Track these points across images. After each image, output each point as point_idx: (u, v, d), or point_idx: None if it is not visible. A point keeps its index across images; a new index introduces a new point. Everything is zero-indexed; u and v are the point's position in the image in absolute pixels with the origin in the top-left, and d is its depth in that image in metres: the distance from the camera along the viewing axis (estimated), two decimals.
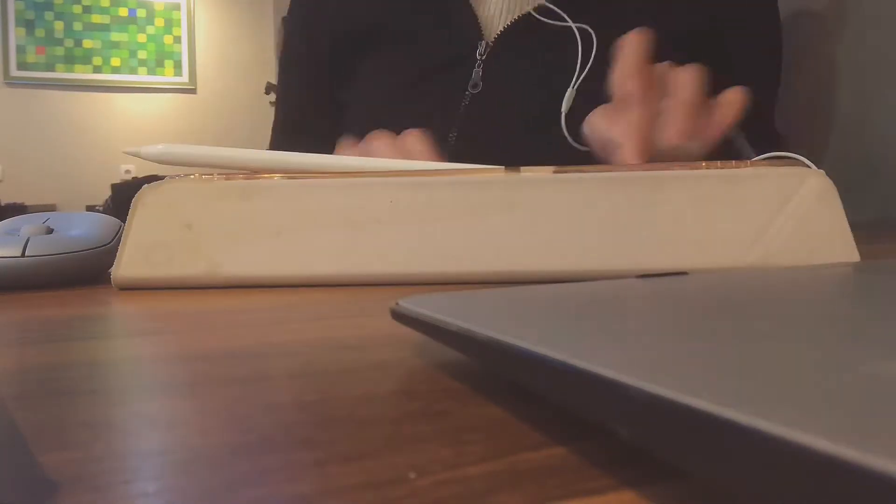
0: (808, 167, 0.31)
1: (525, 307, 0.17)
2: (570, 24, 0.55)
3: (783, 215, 0.29)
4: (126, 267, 0.31)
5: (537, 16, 0.59)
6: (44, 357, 0.18)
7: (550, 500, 0.09)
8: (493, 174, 0.31)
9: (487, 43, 0.65)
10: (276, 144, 0.77)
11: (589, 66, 0.54)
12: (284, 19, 0.83)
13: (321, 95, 0.74)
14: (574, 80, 0.54)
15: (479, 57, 0.65)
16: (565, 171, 0.30)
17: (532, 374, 0.11)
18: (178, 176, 0.32)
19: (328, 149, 0.52)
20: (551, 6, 0.59)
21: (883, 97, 0.73)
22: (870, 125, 0.75)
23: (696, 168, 0.30)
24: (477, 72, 0.65)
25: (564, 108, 0.53)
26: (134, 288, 0.31)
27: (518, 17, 0.64)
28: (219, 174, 0.32)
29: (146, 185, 0.32)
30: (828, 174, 0.30)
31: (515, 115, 0.63)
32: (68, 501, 0.09)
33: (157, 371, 0.17)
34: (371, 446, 0.11)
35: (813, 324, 0.14)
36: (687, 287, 0.19)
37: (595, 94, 0.50)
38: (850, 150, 0.77)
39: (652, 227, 0.29)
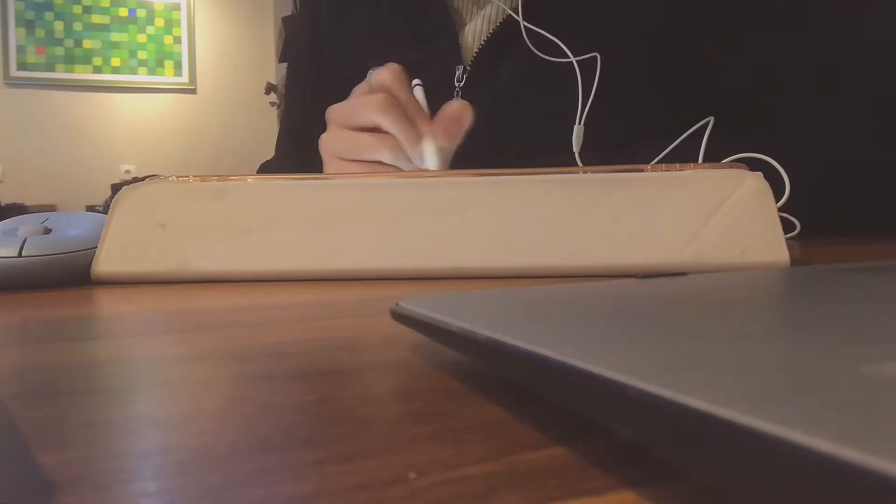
0: (776, 171, 0.32)
1: (525, 307, 0.17)
2: (572, 59, 0.52)
3: (719, 215, 0.31)
4: (104, 262, 0.33)
5: (524, 22, 0.56)
6: (44, 357, 0.18)
7: (550, 500, 0.09)
8: (448, 176, 0.33)
9: (465, 67, 0.62)
10: (280, 156, 0.76)
11: (593, 93, 0.51)
12: (285, 19, 0.81)
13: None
14: (579, 115, 0.51)
15: (456, 84, 0.62)
16: (515, 174, 0.32)
17: (532, 374, 0.11)
18: (156, 177, 0.34)
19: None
20: (521, 20, 0.56)
21: None
22: None
23: (640, 170, 0.31)
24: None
25: (576, 147, 0.51)
26: (111, 282, 0.33)
27: (489, 36, 0.61)
28: (194, 176, 0.34)
29: (126, 186, 0.34)
30: None
31: (506, 148, 0.60)
32: (68, 501, 0.09)
33: (156, 371, 0.17)
34: (371, 446, 0.11)
35: (812, 324, 0.14)
36: (687, 287, 0.19)
37: (597, 123, 0.49)
38: None
39: (593, 227, 0.31)
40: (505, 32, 0.60)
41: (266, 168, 0.77)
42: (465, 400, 0.13)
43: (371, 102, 0.47)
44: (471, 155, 0.48)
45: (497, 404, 0.13)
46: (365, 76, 0.67)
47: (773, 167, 0.38)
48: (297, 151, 0.75)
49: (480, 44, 0.62)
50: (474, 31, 0.64)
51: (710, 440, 0.08)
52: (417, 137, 0.46)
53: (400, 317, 0.17)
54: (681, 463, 0.08)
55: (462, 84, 0.63)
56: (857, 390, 0.08)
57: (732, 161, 0.40)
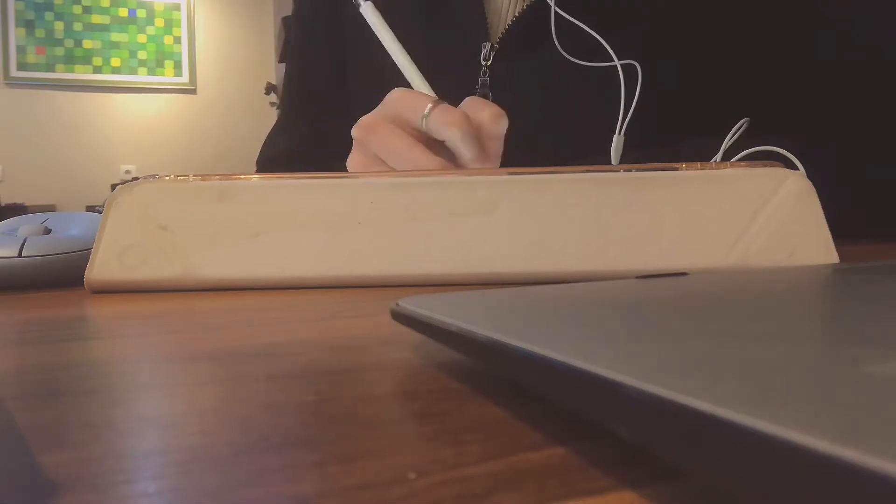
0: (793, 167, 0.31)
1: (525, 307, 0.17)
2: (616, 61, 0.47)
3: (763, 216, 0.29)
4: (99, 269, 0.30)
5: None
6: (44, 357, 0.18)
7: (550, 500, 0.09)
8: (475, 175, 0.31)
9: (493, 45, 0.57)
10: (288, 128, 0.70)
11: (634, 103, 0.47)
12: (285, 19, 0.77)
13: (336, 66, 0.66)
14: (620, 124, 0.47)
15: (483, 62, 0.57)
16: (546, 172, 0.30)
17: (532, 374, 0.11)
18: (153, 176, 0.31)
19: (341, 120, 0.46)
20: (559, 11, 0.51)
21: None
22: None
23: (676, 169, 0.30)
24: (483, 81, 0.57)
25: (615, 160, 0.47)
26: (107, 291, 0.30)
27: (524, 9, 0.55)
28: (194, 175, 0.31)
29: (120, 185, 0.31)
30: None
31: (534, 137, 0.54)
32: (68, 501, 0.09)
33: (156, 371, 0.17)
34: (371, 446, 0.11)
35: (812, 324, 0.14)
36: (687, 287, 0.19)
37: (633, 120, 0.46)
38: None
39: (632, 228, 0.30)
40: (536, 12, 0.55)
41: (272, 138, 0.71)
42: (465, 400, 0.13)
43: (451, 114, 0.41)
44: (513, 157, 0.44)
45: (497, 404, 0.13)
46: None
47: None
48: (307, 109, 0.68)
49: (510, 21, 0.57)
50: (504, 6, 0.58)
51: (711, 440, 0.08)
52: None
53: (400, 317, 0.17)
54: (681, 463, 0.08)
55: (489, 63, 0.57)
56: (857, 390, 0.08)
57: (748, 154, 0.39)
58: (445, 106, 0.42)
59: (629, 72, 0.47)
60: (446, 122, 0.41)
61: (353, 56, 0.65)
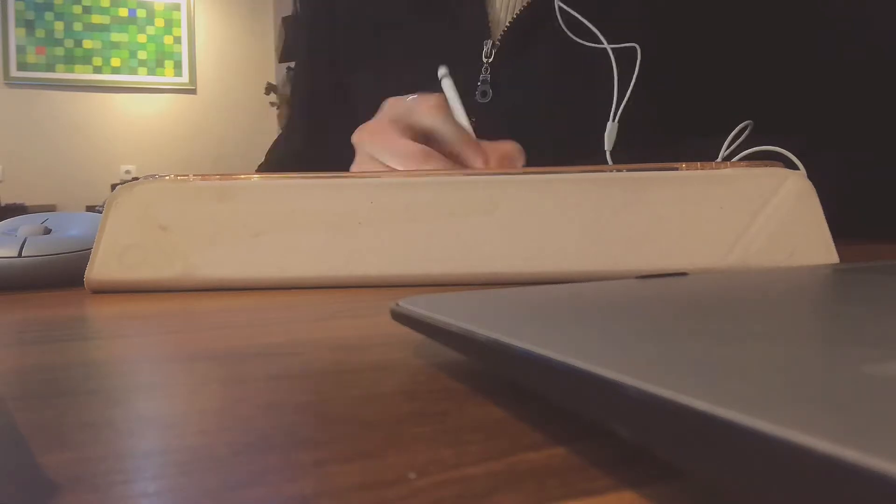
0: (793, 167, 0.31)
1: (525, 307, 0.17)
2: (606, 45, 0.48)
3: (763, 216, 0.29)
4: (99, 269, 0.30)
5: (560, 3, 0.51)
6: (44, 357, 0.18)
7: (550, 500, 0.09)
8: (475, 175, 0.31)
9: (494, 42, 0.58)
10: (293, 130, 0.73)
11: (631, 89, 0.47)
12: (285, 19, 0.79)
13: (337, 79, 0.68)
14: (613, 111, 0.48)
15: (484, 59, 0.58)
16: (546, 172, 0.30)
17: (532, 375, 0.11)
18: (153, 176, 0.31)
19: (346, 134, 0.47)
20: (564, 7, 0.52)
21: None
22: None
23: (676, 169, 0.30)
24: (484, 78, 0.58)
25: (608, 145, 0.47)
26: (107, 291, 0.30)
27: (521, 10, 0.56)
28: (194, 175, 0.31)
29: (120, 185, 0.31)
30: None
31: (534, 134, 0.54)
32: (68, 501, 0.09)
33: (157, 371, 0.17)
34: (371, 446, 0.11)
35: (812, 324, 0.14)
36: (687, 287, 0.19)
37: (634, 119, 0.46)
38: None
39: (632, 228, 0.30)
40: (538, 8, 0.56)
41: (277, 144, 0.73)
42: (465, 400, 0.13)
43: (430, 105, 0.42)
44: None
45: (497, 404, 0.13)
46: (384, 44, 0.61)
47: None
48: (310, 109, 0.71)
49: (511, 18, 0.58)
50: (505, 4, 0.59)
51: (710, 440, 0.08)
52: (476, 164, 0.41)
53: (400, 317, 0.17)
54: (681, 463, 0.08)
55: (491, 60, 0.58)
56: (857, 390, 0.08)
57: (747, 154, 0.39)
58: (427, 95, 0.43)
59: (628, 60, 0.48)
60: (424, 106, 0.42)
61: (354, 56, 0.66)
